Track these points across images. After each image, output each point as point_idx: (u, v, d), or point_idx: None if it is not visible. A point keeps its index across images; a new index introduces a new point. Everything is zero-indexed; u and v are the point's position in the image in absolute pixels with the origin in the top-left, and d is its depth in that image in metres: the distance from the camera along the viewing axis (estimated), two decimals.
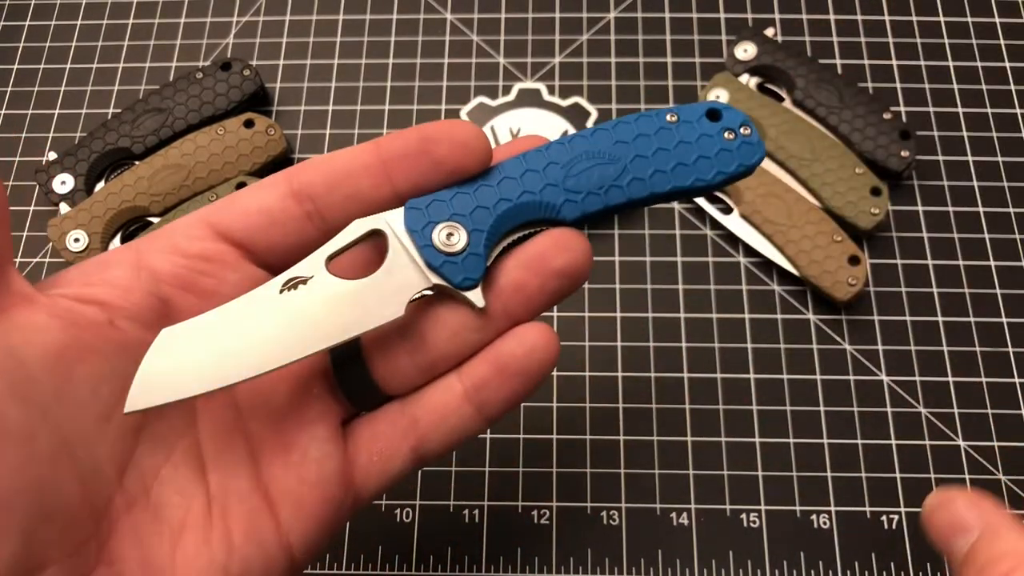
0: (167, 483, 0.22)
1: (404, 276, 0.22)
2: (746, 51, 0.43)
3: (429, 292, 0.23)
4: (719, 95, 0.42)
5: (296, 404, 0.23)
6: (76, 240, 0.39)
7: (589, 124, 0.43)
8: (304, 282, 0.22)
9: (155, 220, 0.40)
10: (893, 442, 0.36)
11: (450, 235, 0.22)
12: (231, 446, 0.23)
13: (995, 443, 0.36)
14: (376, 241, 0.23)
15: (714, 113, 0.23)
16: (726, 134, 0.23)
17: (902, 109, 0.43)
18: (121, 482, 0.21)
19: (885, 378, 0.38)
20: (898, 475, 0.36)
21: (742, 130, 0.23)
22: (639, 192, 0.23)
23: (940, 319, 0.39)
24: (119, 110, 0.43)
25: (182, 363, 0.21)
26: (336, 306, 0.22)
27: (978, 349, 0.38)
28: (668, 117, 0.23)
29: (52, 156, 0.41)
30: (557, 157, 0.23)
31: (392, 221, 0.22)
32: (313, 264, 0.22)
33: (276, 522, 0.22)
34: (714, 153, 0.23)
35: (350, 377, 0.24)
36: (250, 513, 0.22)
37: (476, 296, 0.23)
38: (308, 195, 0.23)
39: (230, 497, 0.22)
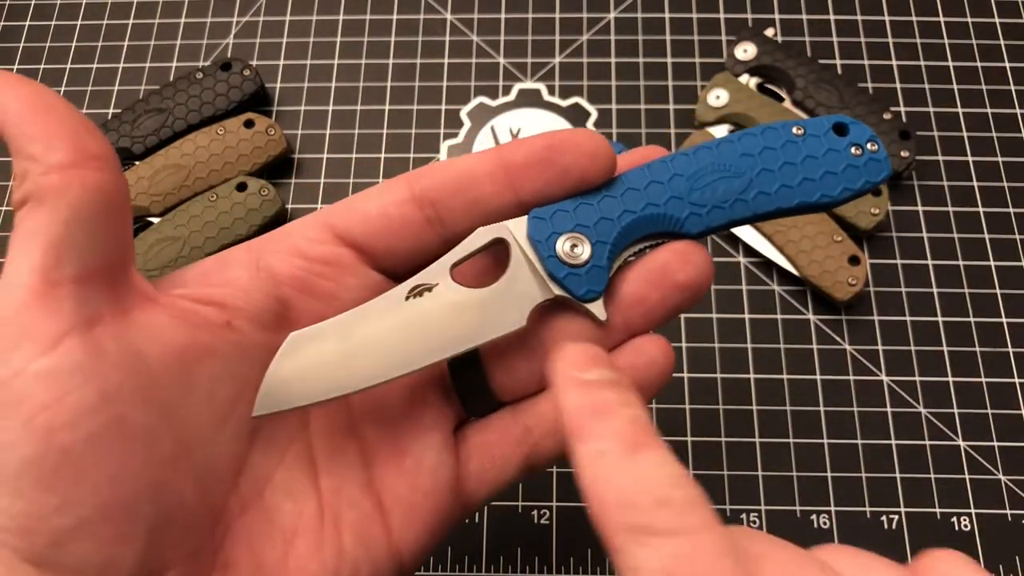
0: (280, 487, 0.22)
1: (526, 286, 0.22)
2: (746, 51, 0.43)
3: (549, 301, 0.23)
4: (719, 95, 0.42)
5: (411, 410, 0.23)
6: None
7: (589, 124, 0.43)
8: (429, 289, 0.22)
9: (155, 220, 0.40)
10: (893, 442, 0.36)
11: (574, 247, 0.22)
12: (343, 450, 0.23)
13: (995, 443, 0.36)
14: (496, 249, 0.23)
15: (841, 127, 0.23)
16: (853, 149, 0.23)
17: (902, 109, 0.43)
18: (236, 485, 0.21)
19: (885, 378, 0.38)
20: (898, 475, 0.36)
21: (869, 146, 0.23)
22: (765, 207, 0.23)
23: (940, 319, 0.39)
24: (119, 110, 0.43)
25: (310, 368, 0.21)
26: (460, 314, 0.22)
27: (978, 349, 0.38)
28: (794, 130, 0.23)
29: None
30: (682, 169, 0.23)
31: (515, 230, 0.22)
32: (438, 272, 0.22)
33: (387, 529, 0.22)
34: (841, 169, 0.23)
35: (467, 383, 0.24)
36: (361, 519, 0.22)
37: (598, 309, 0.22)
38: (429, 200, 0.22)
39: (342, 502, 0.22)
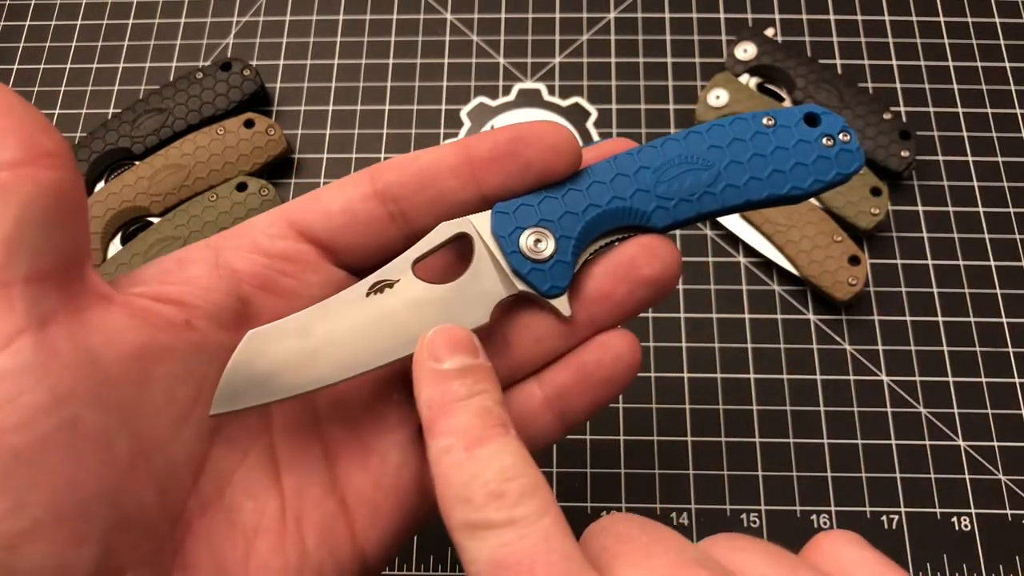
0: (241, 486, 0.21)
1: (489, 281, 0.22)
2: (746, 51, 0.43)
3: (514, 297, 0.22)
4: (719, 95, 0.42)
5: (375, 408, 0.23)
6: None
7: (589, 124, 0.43)
8: (391, 285, 0.21)
9: (155, 220, 0.40)
10: (893, 442, 0.36)
11: (538, 241, 0.22)
12: (306, 449, 0.22)
13: (995, 443, 0.36)
14: (459, 243, 0.22)
15: (812, 118, 0.22)
16: (824, 140, 0.22)
17: (902, 109, 0.43)
18: (196, 486, 0.21)
19: (885, 378, 0.38)
20: (898, 475, 0.36)
21: (841, 136, 0.22)
22: (733, 200, 0.22)
23: (940, 319, 0.39)
24: (119, 110, 0.43)
25: (269, 366, 0.20)
26: (423, 311, 0.21)
27: (978, 349, 0.38)
28: (764, 121, 0.22)
29: None
30: (648, 161, 0.22)
31: (478, 224, 0.22)
32: (399, 267, 0.22)
33: (351, 528, 0.22)
34: (811, 160, 0.22)
35: None
36: (325, 519, 0.22)
37: (562, 304, 0.22)
38: (392, 195, 0.22)
39: (305, 502, 0.22)
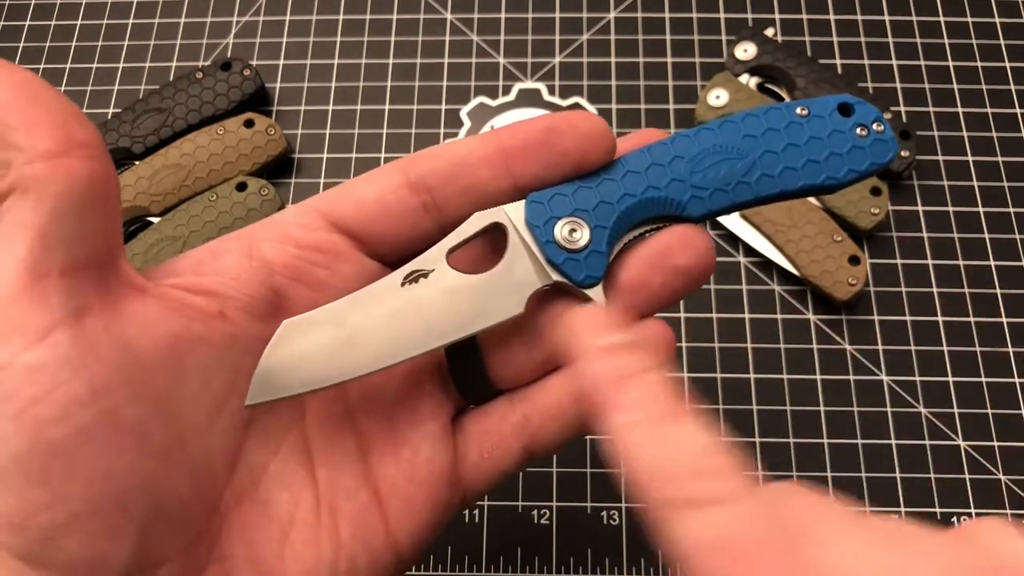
0: (275, 478, 0.21)
1: (524, 272, 0.22)
2: (746, 51, 0.43)
3: (548, 287, 0.22)
4: (719, 95, 0.42)
5: (408, 399, 0.23)
6: None
7: None
8: (425, 275, 0.21)
9: (155, 220, 0.40)
10: (893, 442, 0.36)
11: (572, 231, 0.22)
12: (340, 441, 0.22)
13: (995, 443, 0.36)
14: (493, 233, 0.22)
15: (846, 108, 0.22)
16: (858, 130, 0.22)
17: (902, 109, 0.43)
18: (231, 477, 0.21)
19: (885, 378, 0.38)
20: (898, 475, 0.36)
21: (875, 126, 0.22)
22: (768, 189, 0.22)
23: (940, 319, 0.39)
24: (119, 110, 0.43)
25: (304, 356, 0.20)
26: (457, 301, 0.21)
27: (978, 349, 0.38)
28: (798, 111, 0.22)
29: None
30: (683, 151, 0.22)
31: (512, 214, 0.22)
32: (434, 257, 0.22)
33: (384, 520, 0.22)
34: (846, 150, 0.22)
35: (464, 370, 0.23)
36: (358, 511, 0.22)
37: (597, 294, 0.22)
38: (425, 186, 0.22)
39: (338, 494, 0.22)
